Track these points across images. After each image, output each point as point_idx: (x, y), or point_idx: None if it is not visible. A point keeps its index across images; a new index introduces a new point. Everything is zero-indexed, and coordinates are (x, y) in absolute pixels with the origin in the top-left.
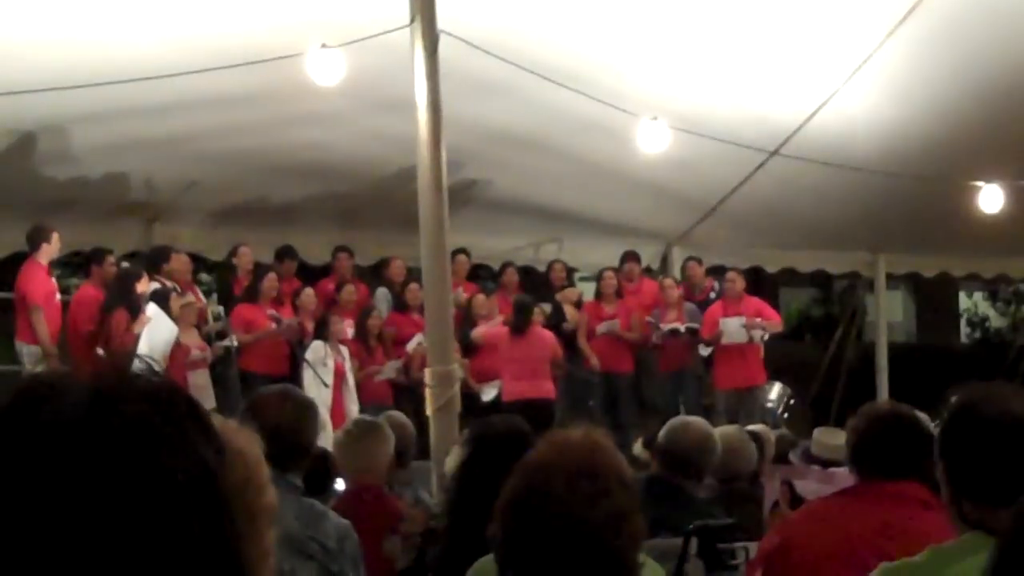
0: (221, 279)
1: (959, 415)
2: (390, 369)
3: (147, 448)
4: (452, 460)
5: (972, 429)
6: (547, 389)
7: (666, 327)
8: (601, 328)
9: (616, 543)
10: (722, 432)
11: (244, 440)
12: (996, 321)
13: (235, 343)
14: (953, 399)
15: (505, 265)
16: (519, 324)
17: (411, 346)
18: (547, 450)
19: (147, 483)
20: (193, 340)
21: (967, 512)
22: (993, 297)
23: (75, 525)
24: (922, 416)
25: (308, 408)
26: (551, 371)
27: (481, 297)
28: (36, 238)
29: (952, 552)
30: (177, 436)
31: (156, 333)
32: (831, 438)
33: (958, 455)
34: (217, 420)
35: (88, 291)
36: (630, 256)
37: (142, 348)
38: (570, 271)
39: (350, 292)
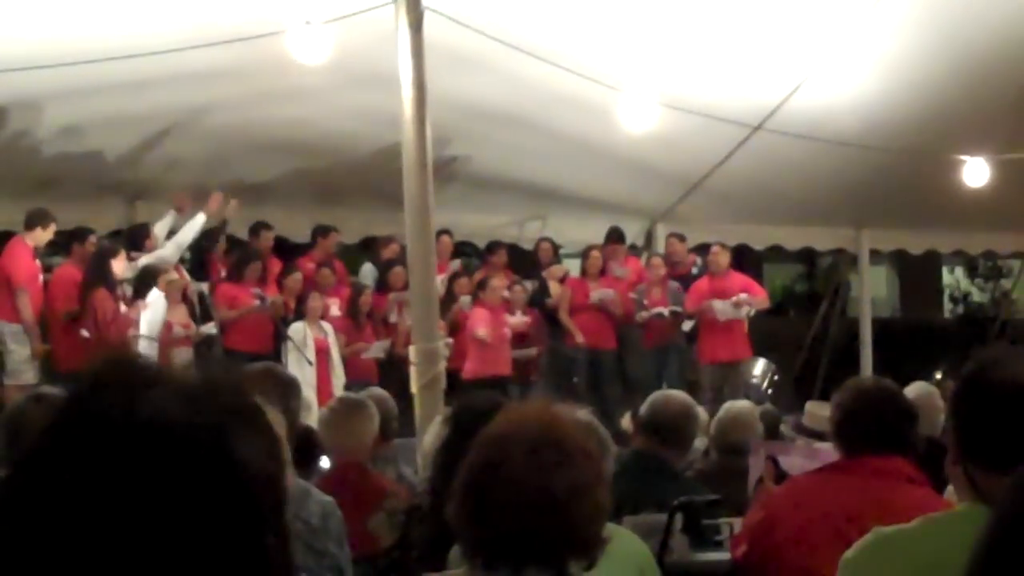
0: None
1: (971, 379)
2: (378, 349)
3: (235, 448)
4: (429, 438)
5: (982, 393)
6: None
7: (651, 311)
8: (594, 296)
9: (578, 515)
10: (731, 405)
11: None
12: (978, 296)
13: (215, 331)
14: (968, 363)
15: (494, 244)
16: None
17: (391, 299)
18: (506, 422)
19: (238, 483)
20: (176, 317)
21: (973, 477)
22: (972, 273)
23: (174, 521)
24: (928, 388)
25: (291, 386)
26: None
27: (464, 280)
28: (34, 221)
29: (948, 521)
30: (254, 437)
31: (155, 315)
32: (823, 410)
33: (968, 419)
34: None
35: (67, 270)
36: (614, 234)
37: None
38: (556, 248)
39: (325, 275)
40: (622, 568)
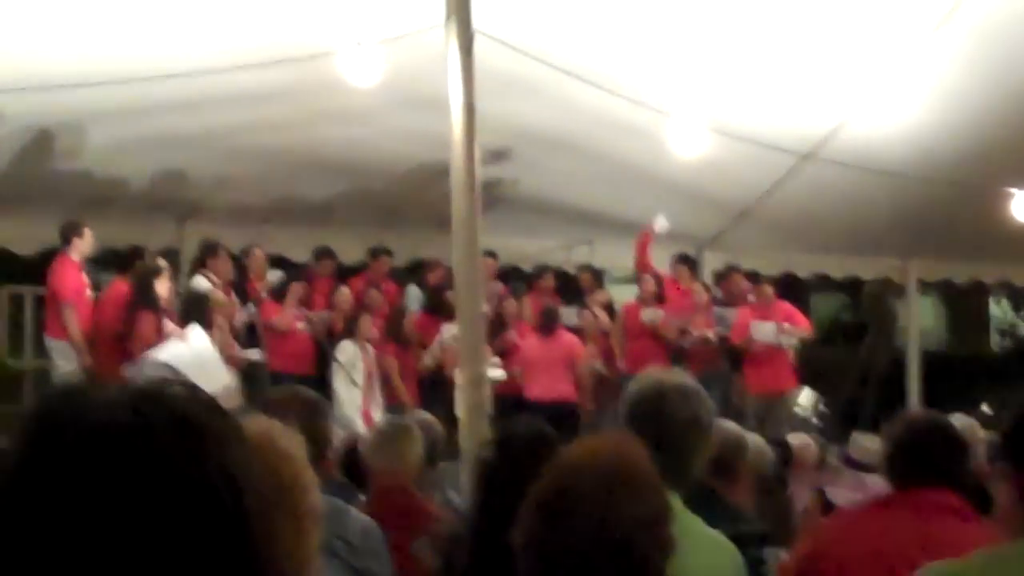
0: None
1: None
2: (428, 356)
3: (186, 456)
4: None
5: None
6: (566, 391)
7: (696, 334)
8: (645, 316)
9: (646, 549)
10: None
11: (290, 443)
12: None
13: (259, 357)
14: (1016, 402)
15: (542, 269)
16: (545, 325)
17: (445, 336)
18: (578, 451)
19: (185, 491)
20: (221, 339)
21: None
22: (1017, 306)
23: (121, 530)
24: (968, 421)
25: (319, 407)
26: (579, 377)
27: (511, 301)
28: (68, 233)
29: (1005, 558)
30: (213, 445)
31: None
32: (871, 442)
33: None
34: (263, 423)
35: (120, 288)
36: (682, 259)
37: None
38: (599, 274)
39: (373, 296)
40: None
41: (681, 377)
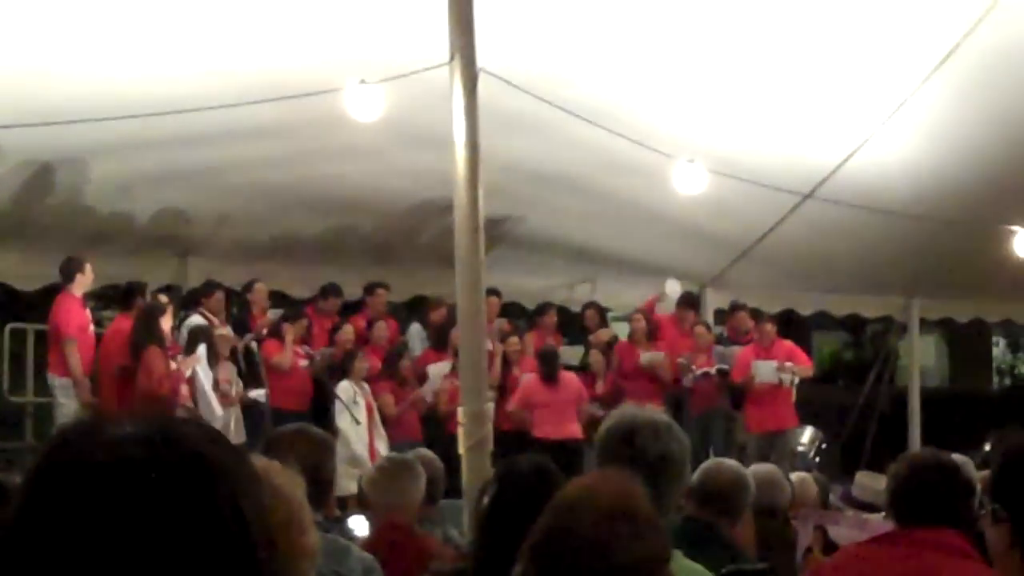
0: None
1: (1018, 459)
2: (427, 391)
3: (199, 495)
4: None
5: None
6: (574, 430)
7: (697, 371)
8: (644, 359)
9: None
10: (757, 468)
11: (287, 482)
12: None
13: (263, 398)
14: (1002, 445)
15: (545, 306)
16: (548, 372)
17: (433, 372)
18: (578, 490)
19: (197, 530)
20: (222, 374)
21: None
22: (1014, 347)
23: (131, 567)
24: (962, 460)
25: (325, 445)
26: (579, 414)
27: (514, 339)
28: (69, 269)
29: None
30: (231, 480)
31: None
32: (874, 482)
33: (1017, 497)
34: (262, 461)
35: (124, 323)
36: (686, 301)
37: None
38: (604, 311)
39: (380, 329)
40: None
41: (653, 413)
